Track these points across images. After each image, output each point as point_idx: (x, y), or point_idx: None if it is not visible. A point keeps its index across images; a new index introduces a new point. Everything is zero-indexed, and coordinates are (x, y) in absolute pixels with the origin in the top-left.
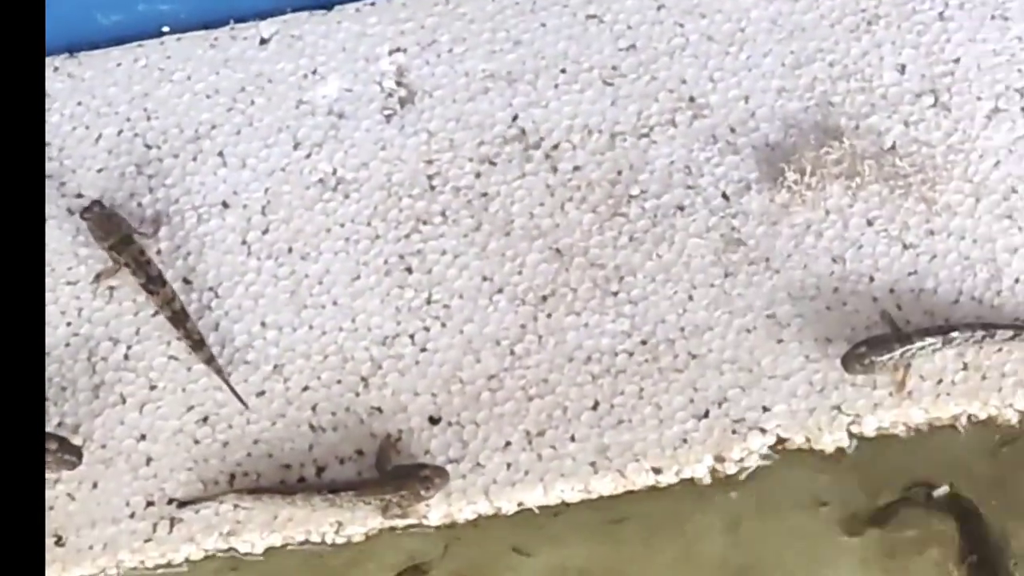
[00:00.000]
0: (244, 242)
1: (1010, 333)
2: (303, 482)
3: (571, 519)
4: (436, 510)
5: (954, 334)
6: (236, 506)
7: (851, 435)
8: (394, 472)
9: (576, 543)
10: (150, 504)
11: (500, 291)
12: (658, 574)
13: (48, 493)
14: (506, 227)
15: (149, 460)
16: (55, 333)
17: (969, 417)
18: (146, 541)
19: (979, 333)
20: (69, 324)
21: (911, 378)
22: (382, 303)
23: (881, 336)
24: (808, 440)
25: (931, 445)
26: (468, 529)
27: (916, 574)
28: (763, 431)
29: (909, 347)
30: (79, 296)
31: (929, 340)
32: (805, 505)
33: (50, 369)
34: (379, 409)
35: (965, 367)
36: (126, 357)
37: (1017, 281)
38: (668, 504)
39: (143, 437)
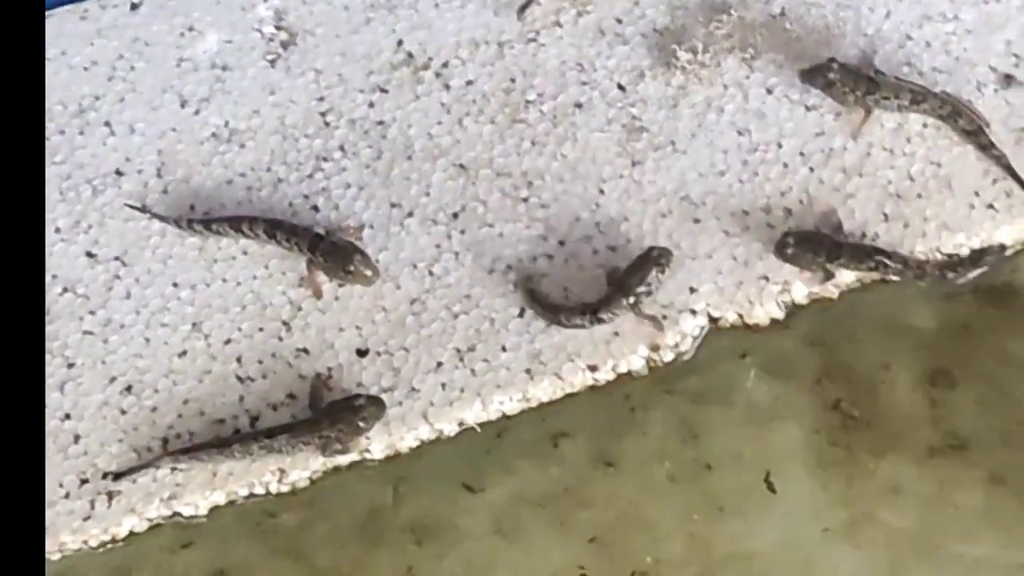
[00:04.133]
0: (144, 207)
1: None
2: (238, 434)
3: (516, 432)
4: (377, 442)
5: (884, 260)
6: (173, 469)
7: (782, 305)
8: (329, 408)
9: (526, 471)
10: (84, 482)
11: (410, 215)
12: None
13: None
14: (407, 151)
15: (77, 438)
16: None
17: None
18: (85, 519)
19: (911, 273)
20: None
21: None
22: None
23: (813, 236)
24: (740, 316)
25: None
26: (415, 469)
27: None
28: (693, 312)
29: (833, 259)
30: None
31: (861, 260)
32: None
33: None
34: (305, 350)
35: (886, 218)
36: None
37: (926, 125)
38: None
39: (67, 416)
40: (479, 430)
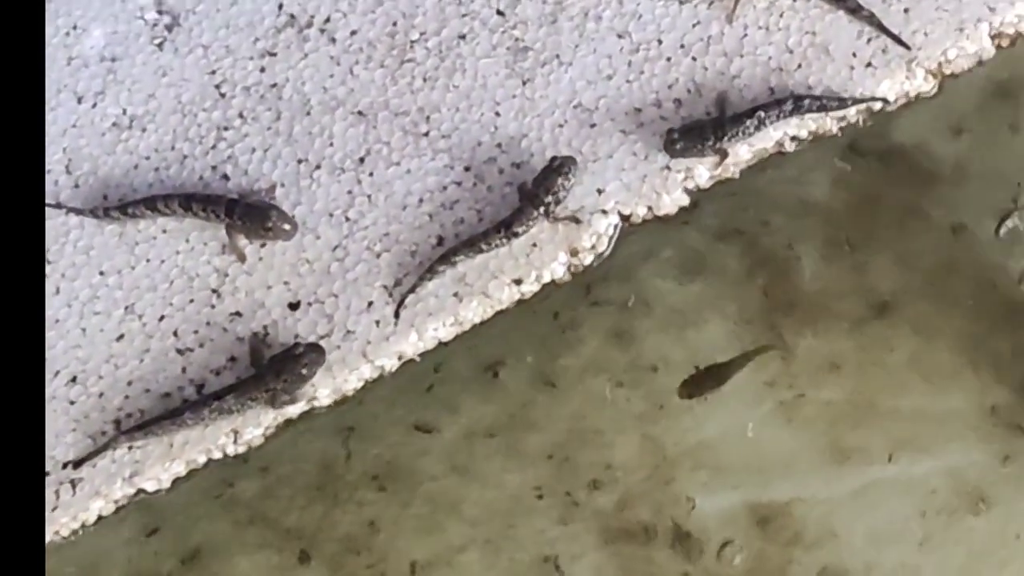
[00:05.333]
0: (60, 203)
1: (817, 104)
2: (188, 403)
3: (453, 368)
4: (323, 387)
5: (761, 113)
6: (131, 447)
7: (688, 191)
8: (271, 362)
9: (471, 406)
10: (46, 475)
11: (318, 167)
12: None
13: None
14: (305, 108)
15: None
16: None
17: (792, 138)
18: (53, 510)
19: (788, 106)
20: None
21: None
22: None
23: (695, 124)
24: (650, 208)
25: None
26: (363, 418)
27: None
28: (604, 212)
29: (720, 137)
30: None
31: (743, 125)
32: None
33: None
34: (238, 313)
35: (773, 92)
36: None
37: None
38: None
39: None
40: (419, 360)
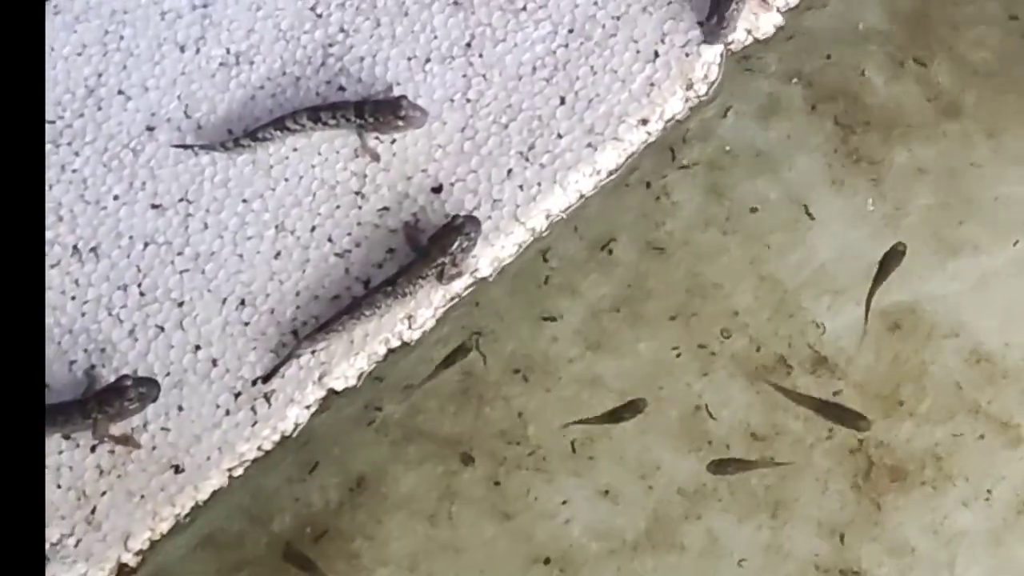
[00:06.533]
0: (187, 144)
1: None
2: (359, 297)
3: (563, 255)
4: (483, 257)
5: None
6: (313, 352)
7: (780, 12)
8: (432, 239)
9: (590, 286)
10: (238, 395)
11: (428, 60)
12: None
13: (144, 436)
14: (402, 9)
15: (215, 362)
16: (66, 310)
17: None
18: (253, 425)
19: None
20: (74, 298)
21: None
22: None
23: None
24: (749, 32)
25: None
26: (488, 321)
27: None
28: (709, 43)
29: None
30: (69, 271)
31: None
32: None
33: (80, 340)
34: (386, 208)
35: None
36: (141, 295)
37: None
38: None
39: (197, 348)
40: (565, 216)
